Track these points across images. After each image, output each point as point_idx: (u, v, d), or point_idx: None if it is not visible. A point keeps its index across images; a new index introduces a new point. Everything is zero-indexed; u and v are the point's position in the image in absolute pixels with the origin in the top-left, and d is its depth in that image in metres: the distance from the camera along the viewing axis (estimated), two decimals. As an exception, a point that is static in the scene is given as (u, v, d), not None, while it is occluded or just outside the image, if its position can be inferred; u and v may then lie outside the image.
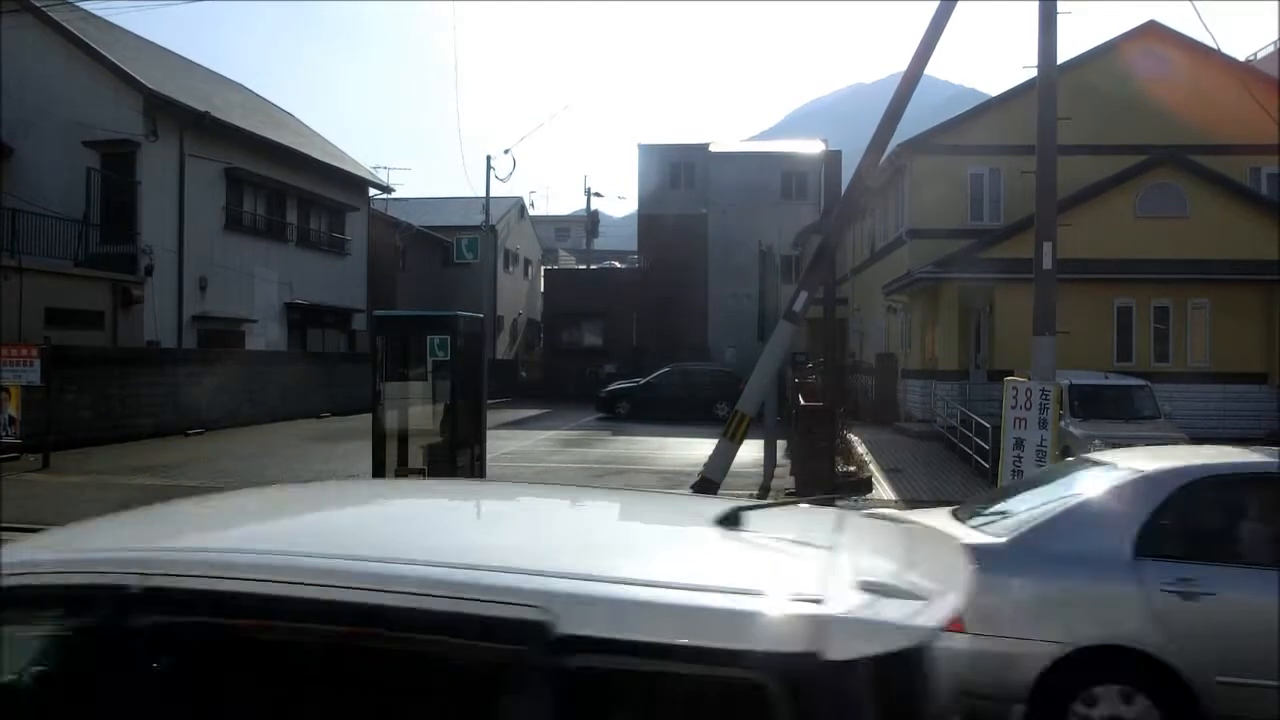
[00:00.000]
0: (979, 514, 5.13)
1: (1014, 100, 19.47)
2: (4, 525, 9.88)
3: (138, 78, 20.80)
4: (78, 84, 20.95)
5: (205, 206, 22.78)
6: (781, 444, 15.01)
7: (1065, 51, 11.26)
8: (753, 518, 2.22)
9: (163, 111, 21.21)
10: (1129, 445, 12.05)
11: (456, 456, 9.61)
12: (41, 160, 20.76)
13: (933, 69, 10.61)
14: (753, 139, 73.03)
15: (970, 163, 20.36)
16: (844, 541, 2.15)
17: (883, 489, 12.74)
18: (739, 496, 11.75)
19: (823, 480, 12.12)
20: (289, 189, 26.18)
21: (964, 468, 14.76)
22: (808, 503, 3.32)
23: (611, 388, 28.10)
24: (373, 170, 32.63)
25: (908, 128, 13.81)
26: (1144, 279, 17.39)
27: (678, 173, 37.14)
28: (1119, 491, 4.64)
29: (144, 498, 11.75)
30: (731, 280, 33.84)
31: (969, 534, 4.76)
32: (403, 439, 10.10)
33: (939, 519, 5.17)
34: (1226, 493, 4.80)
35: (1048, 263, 8.84)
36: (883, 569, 1.96)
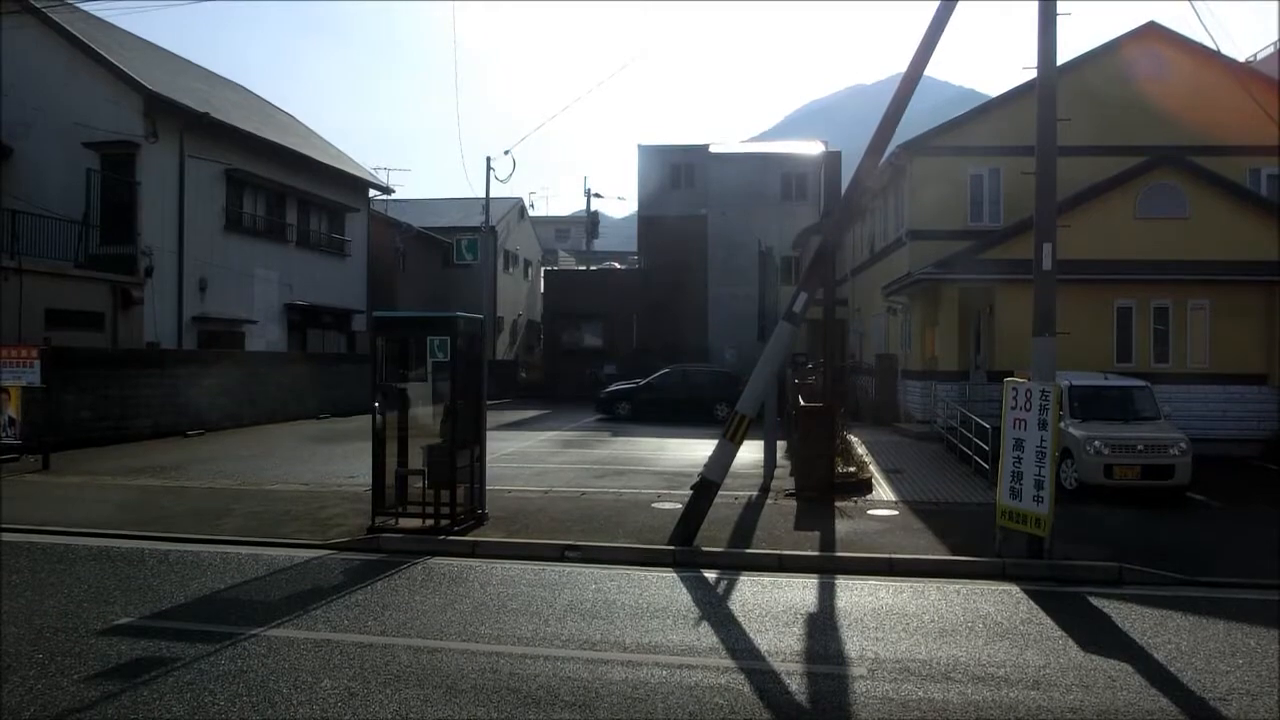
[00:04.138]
0: None
1: (1014, 101, 19.49)
2: (4, 525, 9.88)
3: (138, 78, 20.80)
4: (78, 84, 20.95)
5: (205, 207, 22.79)
6: (781, 445, 15.01)
7: (1065, 52, 11.28)
8: None
9: (162, 112, 21.22)
10: (1129, 446, 12.16)
11: (456, 457, 9.61)
12: (41, 161, 20.77)
13: (933, 70, 10.61)
14: (752, 139, 72.99)
15: (970, 164, 20.36)
16: None
17: (883, 490, 12.74)
18: (739, 496, 11.75)
19: (822, 481, 12.12)
20: (289, 190, 26.18)
21: (964, 468, 14.76)
22: None
23: (611, 389, 28.08)
24: (373, 171, 32.66)
25: (907, 129, 13.81)
26: (1144, 279, 17.38)
27: (677, 173, 37.14)
28: None
29: (144, 498, 11.76)
30: (731, 281, 33.85)
31: None
32: (403, 440, 10.11)
33: None
34: None
35: (1048, 263, 8.84)
36: None
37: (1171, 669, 5.93)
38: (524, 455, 16.98)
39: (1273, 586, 7.97)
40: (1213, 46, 22.79)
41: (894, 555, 8.81)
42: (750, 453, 12.51)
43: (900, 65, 10.20)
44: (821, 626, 6.87)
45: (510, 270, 42.85)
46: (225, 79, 30.71)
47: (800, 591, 7.85)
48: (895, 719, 5.11)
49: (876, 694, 5.45)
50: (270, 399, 22.89)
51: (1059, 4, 8.89)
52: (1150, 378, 15.26)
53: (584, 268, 46.31)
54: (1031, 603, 7.53)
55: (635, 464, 16.02)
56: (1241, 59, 26.18)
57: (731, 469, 9.85)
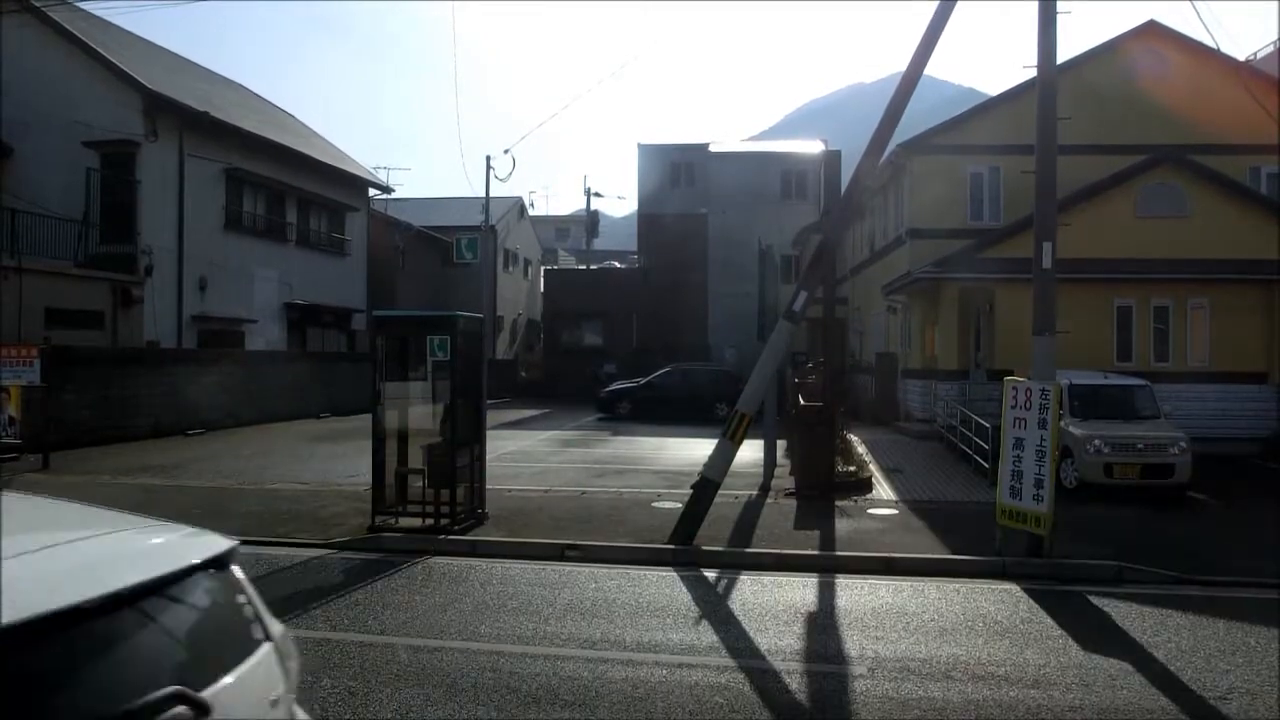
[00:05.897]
0: None
1: (1014, 100, 19.48)
2: (4, 525, 9.87)
3: (137, 78, 20.79)
4: (78, 84, 20.94)
5: (205, 206, 22.77)
6: (781, 444, 15.00)
7: (1065, 51, 11.27)
8: None
9: (162, 111, 21.20)
10: (1129, 445, 12.16)
11: (456, 457, 9.61)
12: (41, 160, 20.75)
13: (932, 69, 10.61)
14: (753, 139, 72.97)
15: (970, 162, 20.36)
16: None
17: (882, 489, 12.74)
18: (739, 496, 11.75)
19: (822, 480, 12.12)
20: (289, 189, 26.17)
21: (964, 467, 14.76)
22: None
23: (611, 388, 28.08)
24: (373, 170, 32.66)
25: (907, 128, 13.79)
26: (1144, 279, 17.38)
27: (678, 172, 37.12)
28: None
29: (145, 497, 11.75)
30: (731, 280, 33.82)
31: None
32: (403, 439, 10.11)
33: None
34: None
35: (1047, 262, 8.84)
36: None
37: (1171, 668, 5.93)
38: (524, 454, 16.98)
39: (1272, 586, 7.97)
40: (1213, 45, 22.80)
41: (894, 554, 8.81)
42: (750, 452, 12.50)
43: (900, 64, 10.20)
44: (821, 626, 6.88)
45: (510, 269, 42.85)
46: (225, 78, 30.70)
47: (800, 591, 7.85)
48: (896, 718, 5.12)
49: (877, 693, 5.46)
50: (270, 398, 22.88)
51: (1059, 3, 8.89)
52: (1150, 376, 15.26)
53: (584, 267, 46.29)
54: (1031, 602, 7.53)
55: (635, 463, 16.03)
56: (1242, 58, 26.18)
57: (731, 468, 9.84)
